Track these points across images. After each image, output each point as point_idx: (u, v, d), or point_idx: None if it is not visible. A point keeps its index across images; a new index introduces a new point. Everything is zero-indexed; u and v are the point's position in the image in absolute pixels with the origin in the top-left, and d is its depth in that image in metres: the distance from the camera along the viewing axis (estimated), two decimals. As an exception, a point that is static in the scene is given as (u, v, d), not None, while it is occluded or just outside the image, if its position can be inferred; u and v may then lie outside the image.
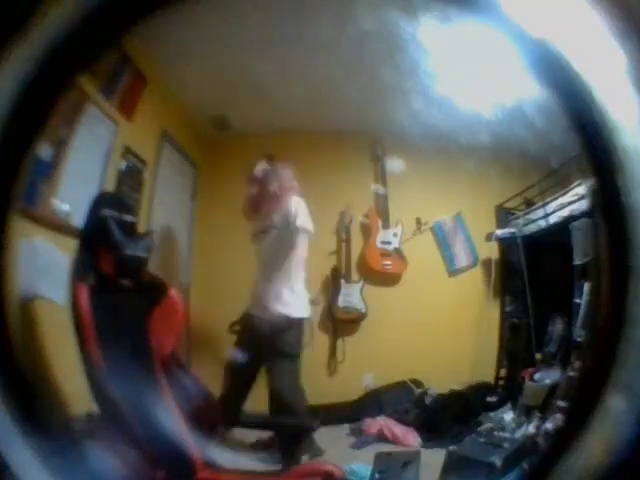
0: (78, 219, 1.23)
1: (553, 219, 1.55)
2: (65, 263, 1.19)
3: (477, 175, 1.39)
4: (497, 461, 1.31)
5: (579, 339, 1.38)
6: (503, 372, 1.65)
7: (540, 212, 1.62)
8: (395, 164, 1.62)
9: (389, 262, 1.72)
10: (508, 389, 1.62)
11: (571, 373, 1.36)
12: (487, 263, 1.71)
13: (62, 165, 1.21)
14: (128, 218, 1.32)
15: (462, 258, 1.73)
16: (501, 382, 1.65)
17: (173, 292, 1.37)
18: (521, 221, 1.67)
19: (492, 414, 1.58)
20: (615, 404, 0.52)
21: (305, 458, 1.44)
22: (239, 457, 1.38)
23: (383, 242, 1.73)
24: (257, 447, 1.48)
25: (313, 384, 1.58)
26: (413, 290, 1.70)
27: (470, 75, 1.17)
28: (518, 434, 1.47)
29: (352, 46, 1.19)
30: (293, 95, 1.45)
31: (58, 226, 1.22)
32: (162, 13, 0.60)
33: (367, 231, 1.74)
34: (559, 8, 0.54)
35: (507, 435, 1.47)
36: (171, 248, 1.58)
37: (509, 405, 1.59)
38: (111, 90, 1.36)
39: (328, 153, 1.60)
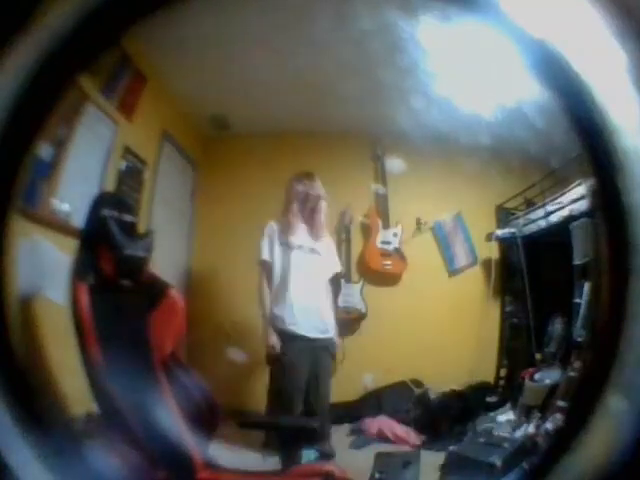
0: (78, 219, 1.23)
1: (553, 219, 1.55)
2: (65, 263, 1.18)
3: (477, 175, 1.39)
4: (497, 461, 1.31)
5: (579, 339, 1.38)
6: (503, 372, 1.65)
7: (540, 212, 1.62)
8: (395, 164, 1.62)
9: (389, 262, 1.72)
10: (508, 389, 1.62)
11: (571, 373, 1.36)
12: (487, 263, 1.71)
13: (62, 165, 1.21)
14: (128, 218, 1.31)
15: (462, 258, 1.73)
16: (501, 382, 1.65)
17: (173, 292, 1.37)
18: (521, 221, 1.67)
19: (492, 414, 1.58)
20: (615, 404, 0.52)
21: (315, 458, 1.44)
22: (239, 457, 1.38)
23: (383, 242, 1.73)
24: (257, 447, 1.48)
25: (313, 384, 1.58)
26: (413, 290, 1.70)
27: (470, 75, 1.17)
28: (518, 434, 1.47)
29: (352, 46, 1.19)
30: (293, 95, 1.45)
31: (58, 226, 1.22)
32: (162, 13, 0.60)
33: (367, 231, 1.74)
34: (559, 8, 0.54)
35: (507, 435, 1.47)
36: (171, 248, 1.58)
37: (509, 405, 1.59)
38: (111, 90, 1.36)
39: (328, 153, 1.60)
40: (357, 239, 1.73)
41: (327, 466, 1.34)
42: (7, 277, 0.63)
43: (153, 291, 1.35)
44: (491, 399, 1.62)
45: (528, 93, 0.92)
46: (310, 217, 1.57)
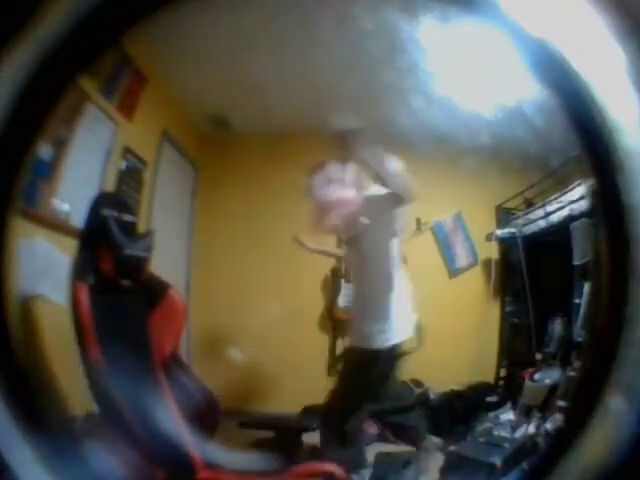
0: (78, 219, 1.23)
1: (553, 219, 1.55)
2: (65, 263, 1.19)
3: (477, 175, 1.38)
4: (497, 461, 1.31)
5: (579, 339, 1.38)
6: (503, 372, 1.65)
7: (540, 212, 1.62)
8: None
9: (389, 262, 1.72)
10: (508, 389, 1.62)
11: (571, 373, 1.36)
12: (487, 263, 1.71)
13: (62, 165, 1.21)
14: (128, 218, 1.32)
15: (462, 258, 1.73)
16: (501, 382, 1.64)
17: (173, 292, 1.37)
18: (521, 221, 1.67)
19: (492, 414, 1.58)
20: (615, 404, 0.52)
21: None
22: (239, 457, 1.38)
23: (383, 242, 1.72)
24: (257, 447, 1.48)
25: (313, 384, 1.58)
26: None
27: (470, 75, 1.17)
28: (518, 434, 1.47)
29: (352, 46, 1.19)
30: (293, 95, 1.45)
31: (58, 226, 1.23)
32: (162, 13, 0.60)
33: (367, 231, 1.74)
34: (559, 8, 0.54)
35: (507, 435, 1.47)
36: (171, 248, 1.58)
37: (509, 405, 1.59)
38: (111, 90, 1.36)
39: (328, 153, 1.59)
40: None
41: (327, 466, 1.34)
42: (7, 277, 0.63)
43: (153, 291, 1.35)
44: (491, 399, 1.61)
45: (528, 93, 0.92)
46: None
